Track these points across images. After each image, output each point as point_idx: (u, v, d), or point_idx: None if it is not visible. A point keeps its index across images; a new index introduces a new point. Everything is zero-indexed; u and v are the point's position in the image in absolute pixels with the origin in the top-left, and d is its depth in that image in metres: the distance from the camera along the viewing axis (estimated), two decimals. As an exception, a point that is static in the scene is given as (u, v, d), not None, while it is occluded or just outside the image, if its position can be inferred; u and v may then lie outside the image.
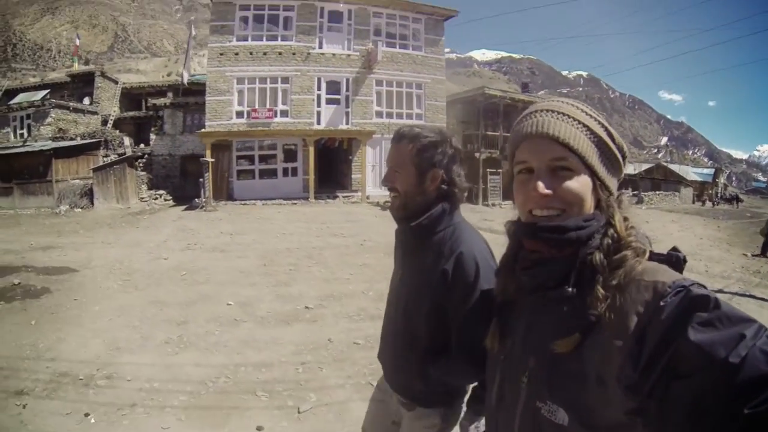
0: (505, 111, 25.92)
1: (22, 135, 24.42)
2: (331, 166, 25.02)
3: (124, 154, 23.12)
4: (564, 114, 0.95)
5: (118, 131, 25.11)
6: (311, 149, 20.56)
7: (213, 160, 19.46)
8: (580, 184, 0.93)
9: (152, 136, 24.69)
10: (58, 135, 23.62)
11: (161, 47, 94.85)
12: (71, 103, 25.75)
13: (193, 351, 5.47)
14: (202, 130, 20.61)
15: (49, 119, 23.99)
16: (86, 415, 4.05)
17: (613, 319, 0.84)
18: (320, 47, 22.09)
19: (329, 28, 22.23)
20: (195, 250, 11.12)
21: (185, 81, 25.60)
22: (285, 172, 22.00)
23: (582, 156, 0.93)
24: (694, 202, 37.94)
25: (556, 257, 0.95)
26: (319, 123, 21.98)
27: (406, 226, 1.69)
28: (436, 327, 1.58)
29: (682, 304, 0.78)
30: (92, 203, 19.16)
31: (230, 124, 21.14)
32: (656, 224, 17.85)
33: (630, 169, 41.23)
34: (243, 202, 19.75)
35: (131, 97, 30.29)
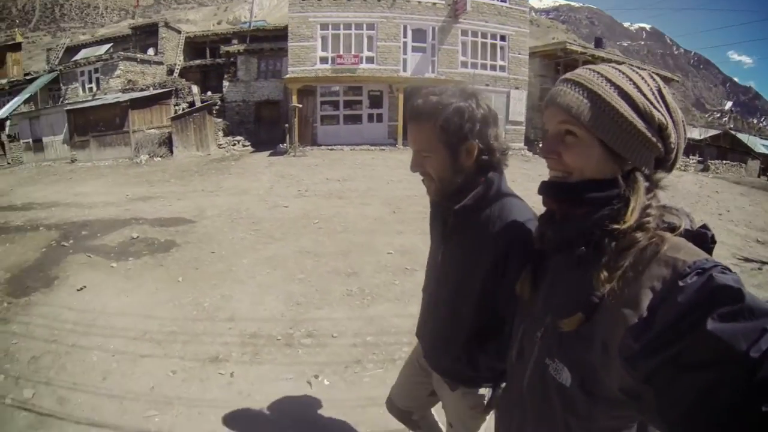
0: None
1: (91, 89, 24.43)
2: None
3: (193, 102, 22.82)
4: (578, 84, 0.96)
5: (184, 80, 24.98)
6: (400, 96, 19.66)
7: (300, 105, 18.83)
8: (581, 150, 0.94)
9: (225, 83, 24.13)
10: (128, 87, 23.34)
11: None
12: (138, 55, 25.45)
13: (384, 302, 5.07)
14: (288, 75, 20.15)
15: (118, 71, 23.79)
16: (316, 377, 3.58)
17: (626, 291, 0.83)
18: None
19: None
20: (309, 197, 10.55)
21: (251, 26, 25.55)
22: (370, 118, 21.52)
23: (583, 124, 0.93)
24: (759, 176, 34.96)
25: (571, 216, 0.98)
26: (405, 70, 21.43)
27: (448, 206, 1.47)
28: (485, 313, 1.44)
29: (703, 291, 0.74)
30: (171, 152, 18.87)
31: (314, 69, 20.62)
32: (726, 195, 17.04)
33: (695, 133, 40.17)
34: (330, 147, 19.29)
35: (194, 46, 29.65)
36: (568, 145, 0.96)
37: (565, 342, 0.93)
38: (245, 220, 8.45)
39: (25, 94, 24.16)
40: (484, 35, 22.52)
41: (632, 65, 1.04)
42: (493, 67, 22.67)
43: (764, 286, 6.71)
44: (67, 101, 23.63)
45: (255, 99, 24.30)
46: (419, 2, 21.36)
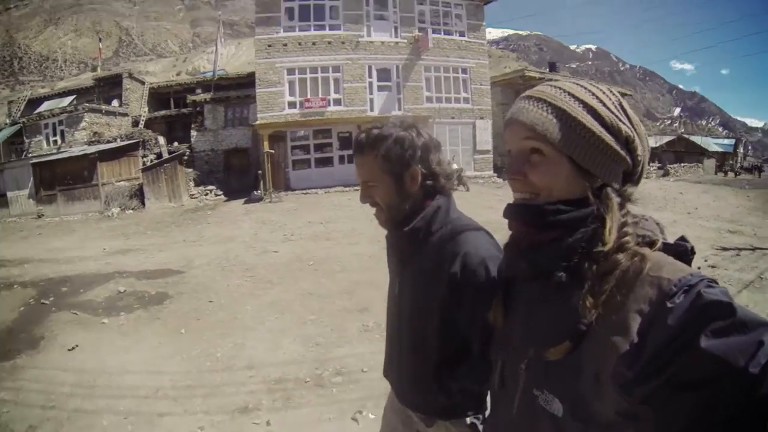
0: (543, 91, 25.95)
1: (55, 142, 23.71)
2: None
3: (161, 153, 22.50)
4: (541, 100, 0.92)
5: (150, 131, 24.59)
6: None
7: (273, 151, 18.90)
8: (549, 169, 0.90)
9: (193, 133, 24.02)
10: (93, 139, 22.73)
11: (166, 48, 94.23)
12: (103, 106, 24.98)
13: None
14: (258, 121, 20.15)
15: (83, 123, 23.25)
16: (360, 412, 3.48)
17: (613, 316, 0.80)
18: (369, 35, 21.98)
19: (376, 17, 22.15)
20: (296, 240, 10.41)
21: (215, 76, 25.50)
22: (341, 159, 21.45)
23: (551, 141, 0.88)
24: (716, 173, 37.72)
25: (543, 242, 0.92)
26: (372, 110, 21.83)
27: (399, 232, 1.48)
28: (448, 338, 1.41)
29: (693, 310, 0.72)
30: (143, 204, 18.44)
31: (283, 114, 20.77)
32: (690, 195, 17.74)
33: (651, 141, 41.65)
34: (304, 191, 19.24)
35: (158, 97, 29.32)
36: (534, 165, 0.91)
37: (552, 373, 0.90)
38: (237, 268, 8.23)
39: None
40: (446, 69, 23.23)
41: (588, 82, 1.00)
42: (458, 100, 23.38)
43: (746, 269, 7.27)
44: (31, 154, 22.86)
45: (223, 147, 24.14)
46: (382, 42, 22.01)
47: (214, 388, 4.10)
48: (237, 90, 24.70)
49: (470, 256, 1.34)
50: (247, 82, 26.26)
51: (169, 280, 7.81)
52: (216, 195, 20.74)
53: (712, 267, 7.47)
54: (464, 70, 23.65)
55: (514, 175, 0.93)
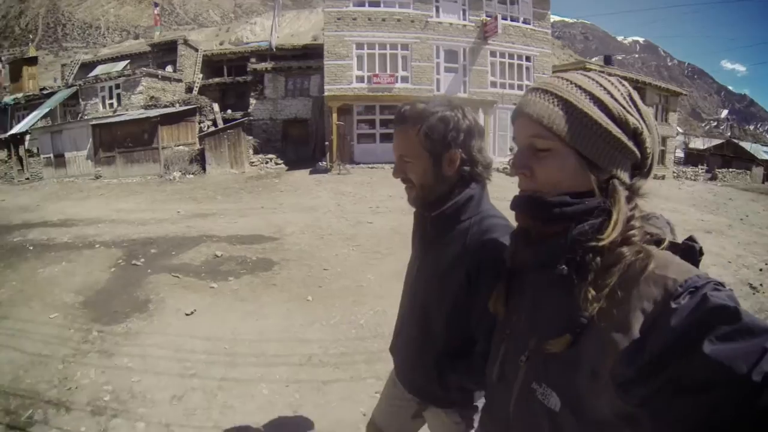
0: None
1: (111, 105, 23.49)
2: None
3: (215, 120, 22.25)
4: (548, 92, 0.90)
5: (205, 98, 24.44)
6: None
7: (343, 123, 18.55)
8: (556, 164, 0.88)
9: (252, 101, 23.71)
10: (150, 103, 22.61)
11: (208, 18, 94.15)
12: (159, 71, 24.78)
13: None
14: (325, 93, 19.96)
15: (140, 87, 22.91)
16: None
17: (615, 313, 0.79)
18: (437, 16, 21.54)
19: None
20: (385, 213, 10.06)
21: (273, 46, 25.08)
22: None
23: (557, 134, 0.87)
24: (763, 182, 35.70)
25: (548, 234, 0.91)
26: (438, 90, 21.41)
27: (428, 215, 1.43)
28: (457, 328, 1.39)
29: (698, 313, 0.70)
30: (203, 169, 18.30)
31: (350, 88, 20.49)
32: (740, 201, 17.44)
33: (698, 143, 41.68)
34: (370, 165, 18.87)
35: (210, 64, 28.97)
36: (540, 159, 0.89)
37: (551, 367, 0.88)
38: (335, 237, 7.92)
39: (44, 109, 23.24)
40: (510, 56, 22.78)
41: (603, 72, 0.98)
42: (520, 87, 22.78)
43: None
44: (86, 117, 22.95)
45: (282, 117, 23.91)
46: (450, 24, 21.63)
47: (374, 354, 3.82)
48: (292, 61, 24.42)
49: (492, 251, 1.26)
50: (302, 53, 26.04)
51: (265, 246, 7.46)
52: (276, 164, 20.47)
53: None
54: (528, 58, 23.18)
55: (520, 170, 0.91)
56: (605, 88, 0.88)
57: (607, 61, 36.64)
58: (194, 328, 4.58)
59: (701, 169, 31.72)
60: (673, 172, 28.86)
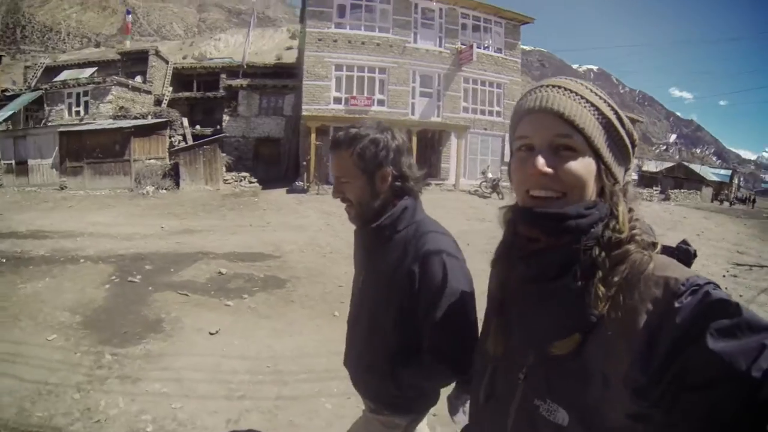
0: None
1: (77, 113, 22.62)
2: (421, 155, 24.76)
3: (184, 134, 21.86)
4: (571, 91, 0.87)
5: (176, 111, 23.76)
6: (414, 138, 19.89)
7: (320, 143, 18.64)
8: (583, 166, 0.85)
9: (225, 117, 23.70)
10: (119, 114, 21.82)
11: (171, 30, 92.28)
12: (130, 81, 24.06)
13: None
14: (304, 113, 20.19)
15: (110, 96, 22.21)
16: None
17: (620, 316, 0.78)
18: (415, 42, 22.54)
19: (422, 24, 22.74)
20: None
21: (245, 63, 25.59)
22: None
23: (587, 136, 0.84)
24: (712, 201, 38.72)
25: (554, 246, 0.87)
26: (413, 114, 22.36)
27: (367, 229, 1.54)
28: (405, 329, 1.46)
29: (700, 308, 0.71)
30: (177, 184, 17.87)
31: (328, 108, 20.88)
32: (693, 219, 18.43)
33: (651, 166, 44.13)
34: None
35: (180, 78, 28.44)
36: (564, 159, 0.84)
37: (555, 381, 0.86)
38: (337, 255, 7.94)
39: (7, 111, 21.96)
40: (483, 83, 23.90)
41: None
42: (491, 113, 24.07)
43: (760, 279, 8.13)
44: (50, 123, 22.00)
45: (255, 135, 23.82)
46: (427, 50, 22.53)
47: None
48: (267, 79, 24.54)
49: (430, 255, 1.39)
50: (272, 71, 26.13)
51: (269, 263, 7.39)
52: (250, 182, 20.33)
53: (734, 276, 8.31)
54: (499, 85, 24.35)
55: (542, 168, 0.84)
56: (605, 99, 0.88)
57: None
58: (224, 348, 4.45)
59: (655, 190, 33.44)
60: (632, 194, 30.85)
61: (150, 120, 20.38)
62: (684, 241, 0.87)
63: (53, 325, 4.90)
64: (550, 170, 0.84)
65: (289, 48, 66.86)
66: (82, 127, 19.51)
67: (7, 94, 24.94)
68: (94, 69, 27.09)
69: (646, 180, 39.82)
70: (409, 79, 22.20)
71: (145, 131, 19.42)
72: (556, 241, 0.87)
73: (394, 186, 1.51)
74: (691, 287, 0.73)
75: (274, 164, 22.78)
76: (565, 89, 0.87)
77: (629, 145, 0.89)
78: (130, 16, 36.94)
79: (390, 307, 1.47)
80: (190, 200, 15.45)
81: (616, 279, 0.80)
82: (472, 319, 1.37)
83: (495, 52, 24.33)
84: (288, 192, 17.52)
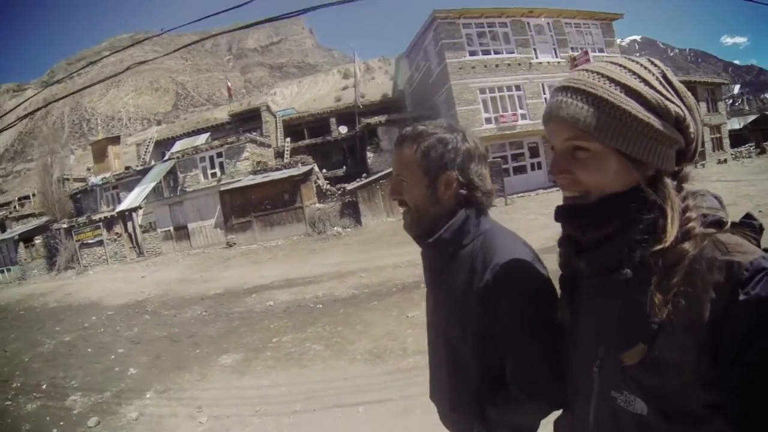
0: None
1: (214, 174, 23.57)
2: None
3: (317, 179, 22.14)
4: (579, 90, 0.85)
5: (310, 158, 24.20)
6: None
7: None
8: (598, 164, 0.84)
9: (369, 154, 24.42)
10: (258, 168, 22.52)
11: (221, 96, 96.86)
12: (258, 138, 24.93)
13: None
14: None
15: (245, 153, 23.09)
16: None
17: (684, 305, 0.75)
18: (536, 57, 23.89)
19: (538, 40, 24.12)
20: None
21: (360, 104, 27.07)
22: (532, 167, 23.56)
23: (594, 136, 0.83)
24: None
25: (608, 237, 0.87)
26: None
27: (425, 244, 1.33)
28: (487, 358, 1.23)
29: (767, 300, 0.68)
30: (358, 221, 18.00)
31: (482, 130, 21.66)
32: None
33: (734, 124, 40.64)
34: (518, 195, 20.01)
35: (289, 129, 29.83)
36: (579, 161, 0.85)
37: (629, 373, 0.84)
38: None
39: (149, 183, 23.16)
40: None
41: (627, 58, 0.88)
42: None
43: None
44: (187, 188, 22.72)
45: (401, 167, 24.52)
46: (548, 63, 23.94)
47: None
48: (371, 116, 25.68)
49: (500, 269, 1.16)
50: (380, 107, 26.98)
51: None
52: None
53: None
54: None
55: (559, 174, 0.88)
56: (639, 76, 0.82)
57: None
58: None
59: (750, 146, 32.61)
60: (731, 154, 29.60)
61: (300, 168, 20.65)
62: (748, 215, 0.82)
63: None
64: (565, 174, 0.86)
65: (345, 88, 68.71)
66: (245, 183, 19.80)
67: (138, 169, 26.03)
68: (208, 134, 28.12)
69: (734, 139, 36.94)
70: (540, 91, 23.25)
71: (302, 179, 19.70)
72: (595, 233, 0.87)
73: (459, 194, 1.28)
74: (756, 271, 0.69)
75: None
76: (574, 90, 0.84)
77: (662, 128, 0.81)
78: (229, 82, 39.12)
79: (467, 335, 1.26)
80: (386, 234, 15.21)
81: (674, 281, 0.76)
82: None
83: (598, 52, 24.83)
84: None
